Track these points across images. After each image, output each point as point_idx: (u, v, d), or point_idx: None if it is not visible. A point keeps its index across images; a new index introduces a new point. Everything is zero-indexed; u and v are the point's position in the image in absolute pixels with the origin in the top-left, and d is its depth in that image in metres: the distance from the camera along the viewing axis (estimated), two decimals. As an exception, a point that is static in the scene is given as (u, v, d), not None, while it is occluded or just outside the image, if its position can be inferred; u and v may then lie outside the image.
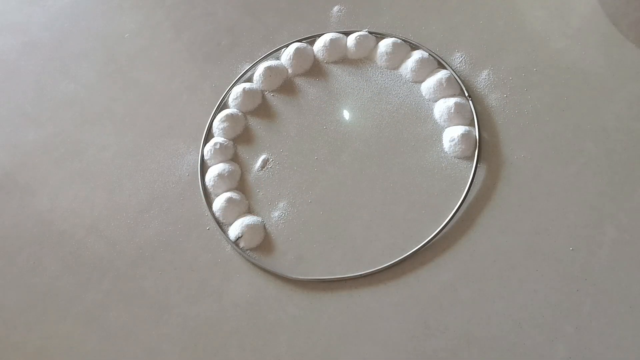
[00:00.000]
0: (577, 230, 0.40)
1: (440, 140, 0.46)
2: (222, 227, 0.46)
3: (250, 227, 0.45)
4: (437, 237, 0.42)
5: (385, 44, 0.51)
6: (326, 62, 0.53)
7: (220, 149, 0.49)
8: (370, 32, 0.53)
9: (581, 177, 0.42)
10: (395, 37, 0.52)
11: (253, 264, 0.44)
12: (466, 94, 0.47)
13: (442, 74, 0.48)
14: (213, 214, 0.47)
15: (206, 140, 0.51)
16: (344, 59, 0.53)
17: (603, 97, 0.45)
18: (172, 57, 0.58)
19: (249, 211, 0.47)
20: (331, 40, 0.53)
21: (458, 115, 0.46)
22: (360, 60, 0.52)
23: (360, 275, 0.42)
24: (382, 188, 0.45)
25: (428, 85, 0.49)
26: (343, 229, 0.44)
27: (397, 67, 0.51)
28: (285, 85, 0.53)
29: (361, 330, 0.40)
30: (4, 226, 0.51)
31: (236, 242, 0.45)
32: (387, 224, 0.44)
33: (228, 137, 0.51)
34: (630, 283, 0.38)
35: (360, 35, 0.52)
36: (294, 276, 0.43)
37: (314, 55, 0.54)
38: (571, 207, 0.41)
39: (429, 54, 0.50)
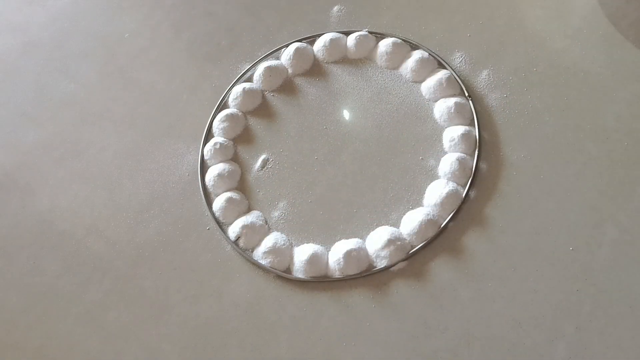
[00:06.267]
0: (577, 230, 0.40)
1: (440, 140, 0.46)
2: (222, 227, 0.46)
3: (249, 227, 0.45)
4: (437, 237, 0.42)
5: (385, 44, 0.51)
6: (326, 62, 0.53)
7: (220, 148, 0.49)
8: (370, 32, 0.53)
9: (581, 177, 0.42)
10: (395, 37, 0.52)
11: (253, 264, 0.44)
12: (466, 94, 0.47)
13: (442, 73, 0.48)
14: (213, 214, 0.47)
15: (206, 140, 0.51)
16: (344, 59, 0.53)
17: (603, 97, 0.45)
18: (172, 57, 0.58)
19: (249, 210, 0.47)
20: (331, 40, 0.53)
21: (458, 115, 0.46)
22: (360, 60, 0.52)
23: (360, 275, 0.42)
24: (382, 188, 0.45)
25: (428, 85, 0.49)
26: (343, 229, 0.44)
27: (397, 67, 0.51)
28: (285, 85, 0.53)
29: (361, 330, 0.40)
30: (4, 226, 0.51)
31: (236, 241, 0.45)
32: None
33: (228, 137, 0.51)
34: (630, 283, 0.38)
35: (360, 35, 0.52)
36: (294, 276, 0.43)
37: (314, 55, 0.54)
38: (571, 207, 0.41)
39: (429, 54, 0.50)
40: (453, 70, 0.49)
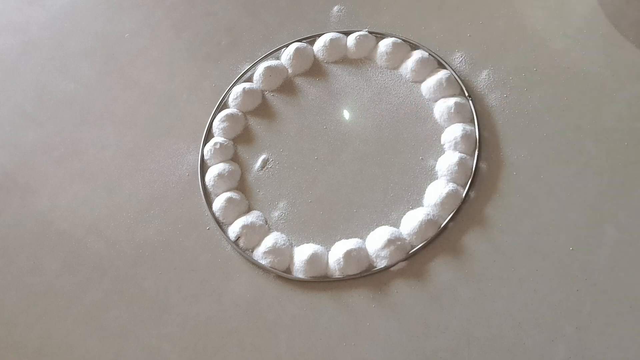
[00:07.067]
0: (577, 230, 0.40)
1: (440, 140, 0.46)
2: (222, 227, 0.46)
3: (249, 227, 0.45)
4: (437, 237, 0.42)
5: (385, 44, 0.51)
6: (326, 62, 0.53)
7: (220, 148, 0.49)
8: (370, 32, 0.53)
9: (581, 177, 0.42)
10: (395, 37, 0.52)
11: (253, 264, 0.44)
12: (466, 94, 0.47)
13: (442, 73, 0.48)
14: (213, 214, 0.47)
15: (206, 140, 0.51)
16: (344, 59, 0.53)
17: (603, 97, 0.45)
18: (172, 57, 0.58)
19: (249, 210, 0.47)
20: (331, 40, 0.53)
21: (458, 115, 0.46)
22: (360, 60, 0.52)
23: (360, 275, 0.42)
24: (382, 188, 0.45)
25: (428, 85, 0.49)
26: (343, 229, 0.44)
27: (397, 67, 0.51)
28: (285, 85, 0.53)
29: (361, 330, 0.40)
30: (4, 226, 0.51)
31: (236, 241, 0.45)
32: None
33: (228, 137, 0.51)
34: (630, 283, 0.38)
35: (360, 35, 0.52)
36: (294, 276, 0.43)
37: (314, 55, 0.54)
38: (571, 207, 0.41)
39: (429, 54, 0.50)
40: (453, 70, 0.49)
